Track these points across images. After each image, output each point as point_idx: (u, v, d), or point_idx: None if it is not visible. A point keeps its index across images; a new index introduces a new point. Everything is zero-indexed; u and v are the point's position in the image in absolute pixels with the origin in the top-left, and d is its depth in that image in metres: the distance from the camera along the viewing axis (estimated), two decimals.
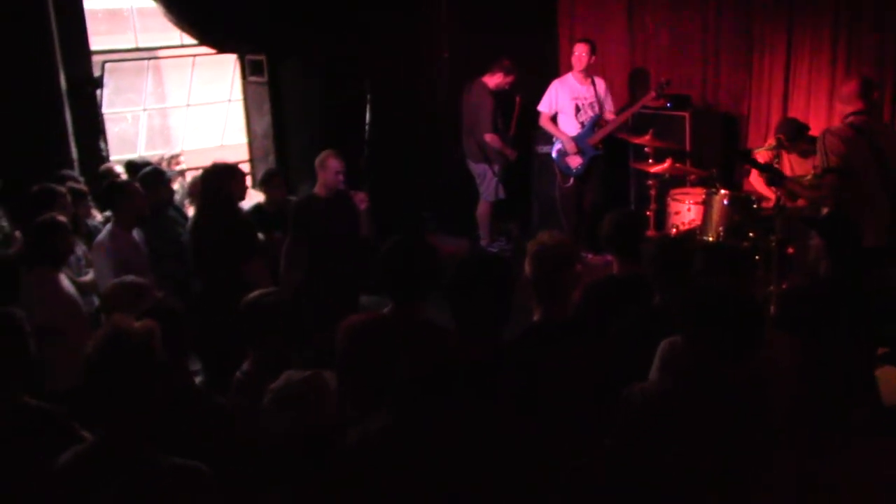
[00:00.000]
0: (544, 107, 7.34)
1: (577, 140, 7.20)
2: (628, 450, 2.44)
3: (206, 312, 4.69)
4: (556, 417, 2.24)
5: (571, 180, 7.30)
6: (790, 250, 6.03)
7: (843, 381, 3.12)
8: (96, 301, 4.71)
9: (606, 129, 7.23)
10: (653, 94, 7.11)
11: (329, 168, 5.63)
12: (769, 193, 6.03)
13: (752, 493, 2.26)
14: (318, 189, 5.71)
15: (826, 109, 6.91)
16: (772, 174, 5.49)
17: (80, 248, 5.34)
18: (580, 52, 7.14)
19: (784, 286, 5.40)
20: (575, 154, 7.21)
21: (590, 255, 7.32)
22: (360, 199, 6.10)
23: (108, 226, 5.02)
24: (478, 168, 7.72)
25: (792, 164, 6.12)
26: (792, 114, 6.90)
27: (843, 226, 3.87)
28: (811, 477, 2.23)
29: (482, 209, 7.84)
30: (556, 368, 2.34)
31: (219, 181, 5.07)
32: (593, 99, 7.27)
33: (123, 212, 4.96)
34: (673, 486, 2.33)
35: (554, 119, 7.35)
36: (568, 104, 7.25)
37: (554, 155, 7.33)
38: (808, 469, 2.27)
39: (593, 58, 7.18)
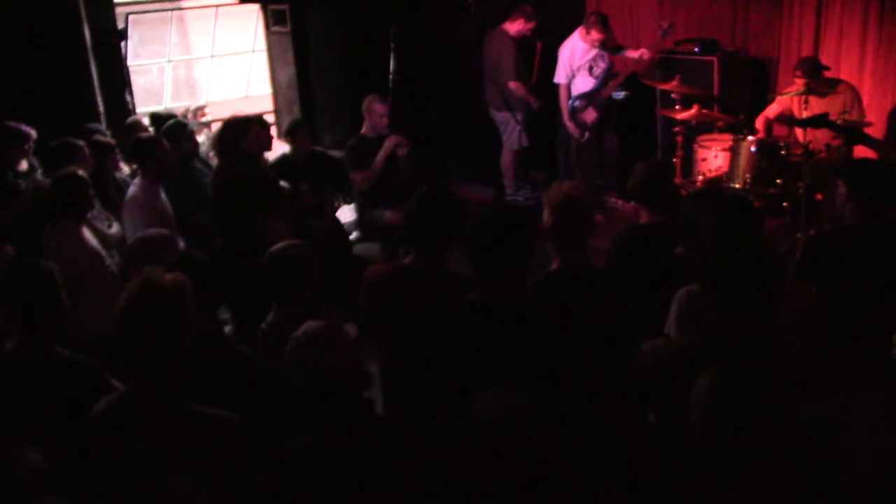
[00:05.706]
0: (562, 78, 7.20)
1: (589, 95, 7.13)
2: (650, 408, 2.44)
3: (226, 266, 4.73)
4: (571, 367, 2.26)
5: (586, 134, 7.24)
6: (818, 197, 5.96)
7: (858, 335, 3.09)
8: (116, 256, 4.77)
9: (617, 80, 7.17)
10: (659, 38, 7.05)
11: (374, 111, 6.09)
12: (799, 137, 5.93)
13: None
14: (365, 131, 6.16)
15: (858, 52, 6.74)
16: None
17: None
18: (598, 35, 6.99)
19: (811, 233, 5.36)
20: (590, 109, 7.15)
21: (620, 202, 7.30)
22: (399, 143, 6.14)
23: (136, 181, 5.09)
24: (500, 116, 7.66)
25: (813, 107, 6.01)
26: (823, 57, 6.73)
27: (870, 172, 3.82)
28: (823, 423, 2.23)
29: (506, 158, 7.80)
30: (572, 317, 2.34)
31: (234, 136, 5.14)
32: (602, 50, 7.17)
33: (150, 167, 5.05)
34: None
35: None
36: (584, 65, 7.15)
37: (567, 112, 7.25)
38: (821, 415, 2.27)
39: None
